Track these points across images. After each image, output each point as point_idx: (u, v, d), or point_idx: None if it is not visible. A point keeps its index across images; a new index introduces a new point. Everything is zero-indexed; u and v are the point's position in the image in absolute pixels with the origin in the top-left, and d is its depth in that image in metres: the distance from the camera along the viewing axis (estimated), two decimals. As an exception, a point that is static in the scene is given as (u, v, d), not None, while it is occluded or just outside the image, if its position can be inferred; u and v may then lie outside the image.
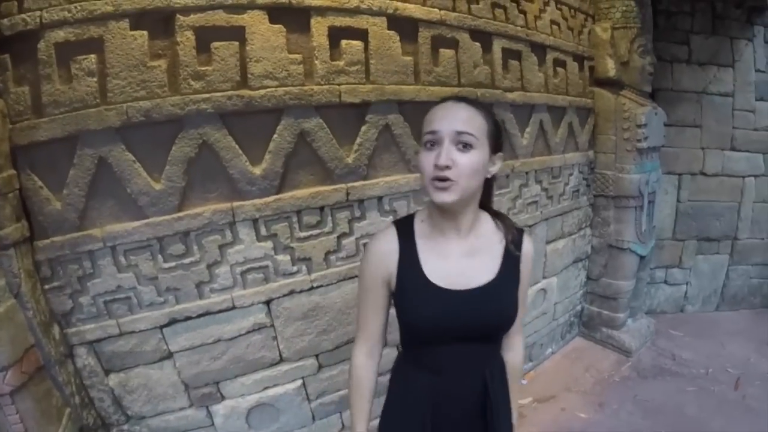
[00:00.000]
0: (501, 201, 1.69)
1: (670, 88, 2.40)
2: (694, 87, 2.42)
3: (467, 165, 0.66)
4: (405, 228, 0.78)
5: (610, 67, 2.02)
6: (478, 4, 1.49)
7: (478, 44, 1.50)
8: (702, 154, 2.51)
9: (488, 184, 0.76)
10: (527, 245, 0.76)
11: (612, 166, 2.14)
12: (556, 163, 1.91)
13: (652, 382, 2.15)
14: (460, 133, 0.66)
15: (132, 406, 1.14)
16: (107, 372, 1.10)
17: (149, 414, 1.18)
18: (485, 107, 0.71)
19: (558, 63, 1.86)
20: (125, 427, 1.15)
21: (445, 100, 0.71)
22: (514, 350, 0.84)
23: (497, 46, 1.57)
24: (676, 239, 2.66)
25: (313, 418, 1.42)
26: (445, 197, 0.67)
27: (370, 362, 0.84)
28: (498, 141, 0.71)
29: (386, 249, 0.76)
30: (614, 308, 2.31)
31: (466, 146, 0.66)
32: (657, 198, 2.37)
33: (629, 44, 2.03)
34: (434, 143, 0.67)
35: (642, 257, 2.28)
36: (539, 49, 1.75)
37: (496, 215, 0.78)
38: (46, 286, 1.00)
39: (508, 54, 1.62)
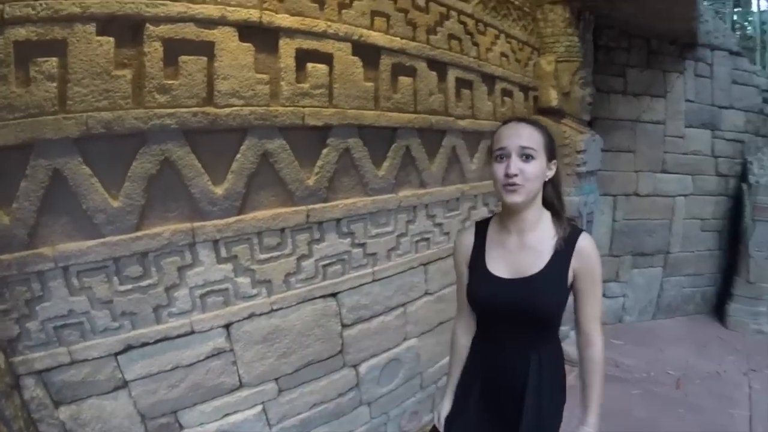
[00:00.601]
0: (452, 222, 1.93)
1: (607, 117, 2.94)
2: (629, 116, 3.00)
3: (531, 172, 0.93)
4: (481, 226, 1.09)
5: (553, 97, 2.42)
6: (436, 35, 1.75)
7: (434, 73, 1.75)
8: (636, 177, 3.09)
9: (555, 188, 1.00)
10: (582, 242, 0.97)
11: None
12: None
13: None
14: (523, 147, 0.91)
15: None
16: (57, 404, 1.10)
17: None
18: (540, 125, 0.97)
19: (506, 93, 2.18)
20: None
21: (508, 121, 0.98)
22: (592, 345, 1.01)
23: (452, 75, 1.83)
24: (613, 255, 3.21)
25: (273, 445, 1.49)
26: (515, 198, 0.93)
27: (466, 335, 1.15)
28: (552, 151, 0.96)
29: (465, 242, 1.09)
30: None
31: (528, 158, 0.91)
32: (594, 218, 2.83)
33: (571, 76, 2.45)
34: (503, 156, 0.94)
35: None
36: (489, 80, 2.06)
37: (557, 216, 1.00)
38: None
39: (461, 83, 1.90)
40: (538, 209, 0.99)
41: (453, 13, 1.81)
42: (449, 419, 1.14)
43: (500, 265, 1.00)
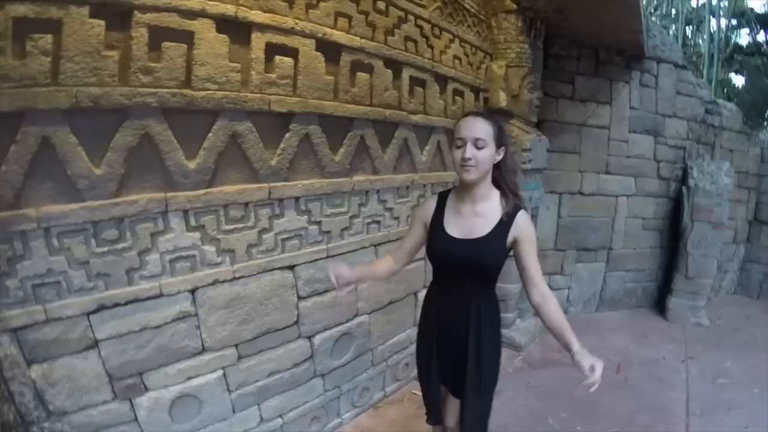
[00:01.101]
0: (401, 208, 2.27)
1: (555, 120, 3.40)
2: (575, 119, 3.48)
3: (482, 157, 1.27)
4: (443, 196, 1.44)
5: (501, 99, 2.82)
6: (393, 36, 2.07)
7: (389, 71, 2.06)
8: (580, 177, 3.58)
9: (503, 170, 1.33)
10: (520, 217, 1.31)
11: None
12: (450, 178, 2.57)
13: (542, 372, 2.97)
14: (476, 138, 1.24)
15: (54, 400, 1.31)
16: (29, 363, 1.26)
17: (71, 409, 1.35)
18: (493, 118, 1.31)
19: (457, 92, 2.56)
20: (46, 424, 1.31)
21: (467, 114, 1.32)
22: (547, 294, 1.34)
23: (406, 74, 2.16)
24: (558, 249, 3.68)
25: (234, 409, 1.72)
26: (469, 176, 1.28)
27: (390, 262, 1.52)
28: (500, 140, 1.30)
29: (428, 207, 1.44)
30: (504, 309, 3.04)
31: (480, 146, 1.24)
32: (540, 213, 3.29)
33: (520, 80, 2.86)
34: (461, 145, 1.27)
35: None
36: (442, 80, 2.41)
37: (504, 193, 1.34)
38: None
39: (415, 81, 2.23)
40: (487, 186, 1.34)
41: (411, 17, 2.14)
42: (419, 355, 1.53)
43: (455, 227, 1.35)
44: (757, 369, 3.10)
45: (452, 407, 1.49)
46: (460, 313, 1.37)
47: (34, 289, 1.25)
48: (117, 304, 1.39)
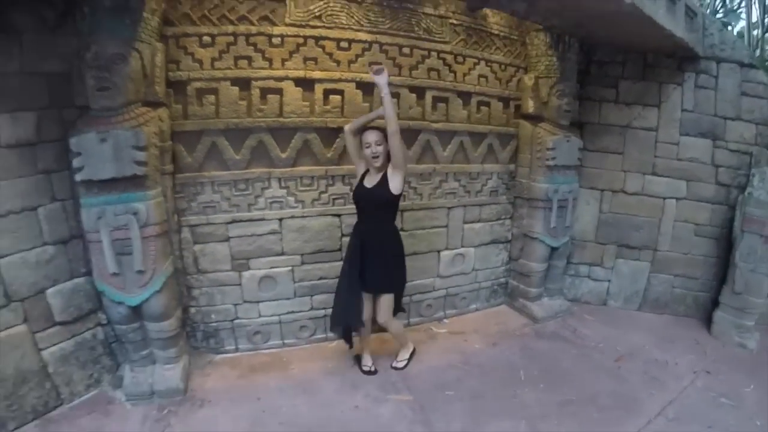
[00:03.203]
0: (423, 188, 3.72)
1: (598, 122, 4.20)
2: (619, 122, 4.19)
3: (381, 152, 2.85)
4: (365, 171, 3.05)
5: (530, 106, 3.93)
6: (417, 69, 3.49)
7: (414, 95, 3.51)
8: (623, 176, 4.26)
9: (390, 154, 2.85)
10: (389, 172, 2.87)
11: (527, 176, 4.07)
12: (474, 169, 3.91)
13: (544, 341, 3.92)
14: (376, 142, 2.82)
15: (202, 264, 3.27)
16: (195, 243, 3.23)
17: (210, 269, 3.30)
18: (380, 129, 2.86)
19: (483, 104, 3.83)
20: (195, 276, 3.28)
21: (368, 128, 2.92)
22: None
23: (429, 95, 3.57)
24: (599, 243, 4.46)
25: (295, 294, 3.52)
26: (377, 163, 2.91)
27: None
28: (385, 138, 2.83)
29: (360, 172, 3.07)
30: (528, 283, 4.22)
31: (378, 145, 2.82)
32: (578, 207, 4.25)
33: (549, 89, 3.88)
34: (367, 146, 2.85)
35: (554, 248, 4.13)
36: (465, 95, 3.72)
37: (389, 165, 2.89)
38: (176, 196, 3.12)
39: (437, 99, 3.62)
40: (385, 164, 2.85)
41: (433, 53, 3.53)
42: (348, 272, 3.03)
43: (368, 182, 2.94)
44: None
45: (368, 307, 3.04)
46: (374, 235, 2.92)
47: (203, 208, 3.19)
48: (241, 220, 3.28)
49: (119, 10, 2.50)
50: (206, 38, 2.95)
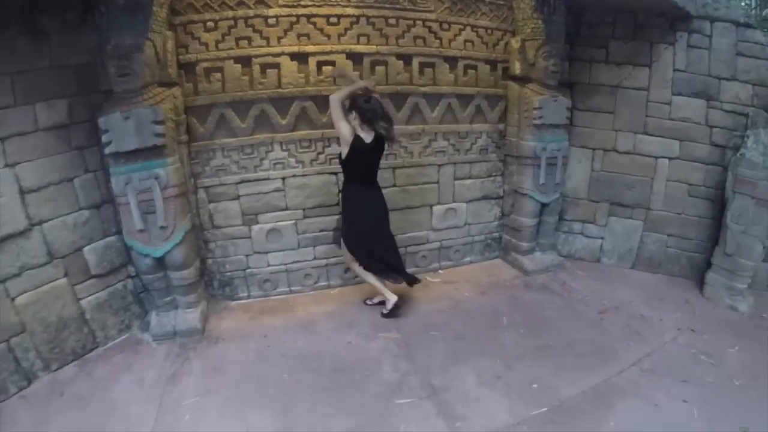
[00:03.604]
0: (413, 147, 4.14)
1: (588, 82, 4.43)
2: (609, 82, 4.41)
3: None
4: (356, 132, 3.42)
5: (517, 68, 4.22)
6: (404, 38, 3.85)
7: (401, 62, 3.88)
8: (615, 135, 4.49)
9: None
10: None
11: (516, 135, 4.40)
12: (463, 129, 4.28)
13: (532, 292, 4.31)
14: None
15: (217, 220, 3.85)
16: (209, 201, 3.80)
17: (223, 225, 3.88)
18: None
19: (469, 67, 4.14)
20: (211, 230, 3.87)
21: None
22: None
23: (415, 61, 3.93)
24: (591, 200, 4.75)
25: (299, 245, 4.07)
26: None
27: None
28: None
29: (348, 135, 3.36)
30: (519, 238, 4.62)
31: None
32: (570, 165, 4.54)
33: (536, 51, 4.14)
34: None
35: (544, 204, 4.47)
36: (452, 60, 4.04)
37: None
38: (192, 161, 3.66)
39: (424, 65, 3.97)
40: None
41: (419, 22, 3.85)
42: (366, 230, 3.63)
43: (365, 139, 3.37)
44: (761, 368, 3.34)
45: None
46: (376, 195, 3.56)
47: (216, 171, 3.73)
48: (249, 180, 3.81)
49: (132, 7, 2.99)
50: (210, 23, 3.43)
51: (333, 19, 3.64)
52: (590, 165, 4.68)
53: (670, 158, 4.49)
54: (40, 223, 3.04)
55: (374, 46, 3.78)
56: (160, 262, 3.43)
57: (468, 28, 4.07)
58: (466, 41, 4.09)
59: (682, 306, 4.18)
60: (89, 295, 3.37)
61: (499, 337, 3.62)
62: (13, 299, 2.91)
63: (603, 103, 4.50)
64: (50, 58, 3.02)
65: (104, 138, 3.07)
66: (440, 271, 4.61)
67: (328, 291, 4.22)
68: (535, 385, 3.11)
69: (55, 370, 3.15)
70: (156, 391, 2.99)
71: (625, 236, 4.77)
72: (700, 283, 4.42)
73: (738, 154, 4.09)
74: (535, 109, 4.16)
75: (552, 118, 4.22)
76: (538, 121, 4.18)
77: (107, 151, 3.10)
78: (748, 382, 3.18)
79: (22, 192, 2.91)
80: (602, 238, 4.86)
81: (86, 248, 3.33)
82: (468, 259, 4.76)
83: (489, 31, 4.17)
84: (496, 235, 4.86)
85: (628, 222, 4.73)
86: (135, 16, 3.02)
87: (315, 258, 4.14)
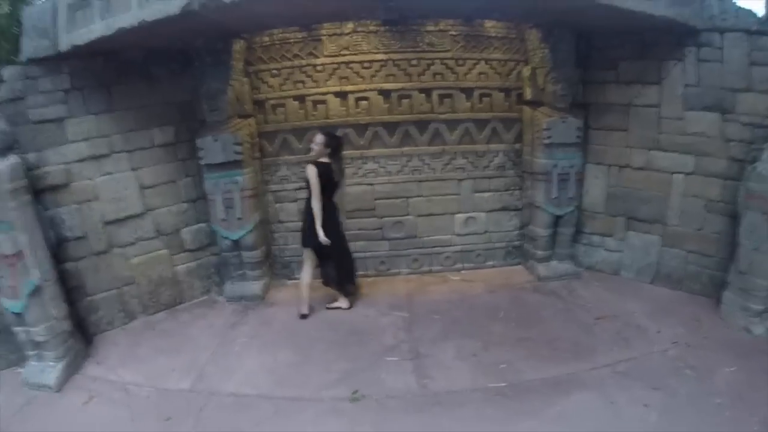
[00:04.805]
0: (435, 164, 5.32)
1: (601, 102, 5.13)
2: (620, 101, 5.03)
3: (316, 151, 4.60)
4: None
5: (528, 93, 5.20)
6: (424, 75, 5.13)
7: (423, 95, 5.17)
8: (628, 152, 5.07)
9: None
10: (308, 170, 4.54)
11: (530, 154, 5.32)
12: (480, 149, 5.36)
13: (538, 295, 5.12)
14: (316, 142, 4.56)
15: (280, 216, 5.48)
16: (276, 202, 5.45)
17: (285, 220, 5.49)
18: (323, 131, 4.68)
19: (484, 95, 5.24)
20: (276, 224, 5.51)
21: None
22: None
23: (435, 94, 5.19)
24: (608, 214, 5.34)
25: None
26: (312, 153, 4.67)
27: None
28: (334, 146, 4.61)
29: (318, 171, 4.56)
30: (536, 246, 5.46)
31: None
32: (586, 180, 5.33)
33: (544, 77, 5.05)
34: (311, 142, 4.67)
35: (558, 216, 5.22)
36: (468, 90, 5.19)
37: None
38: (263, 172, 5.34)
39: (443, 96, 5.20)
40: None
41: (437, 60, 5.08)
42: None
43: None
44: (751, 391, 3.45)
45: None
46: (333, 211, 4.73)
47: (280, 180, 5.40)
48: (304, 188, 5.22)
49: (217, 62, 4.73)
50: (274, 71, 5.11)
51: (366, 64, 5.09)
52: (606, 180, 5.27)
53: (685, 173, 4.83)
54: (152, 209, 4.88)
55: (400, 84, 5.11)
56: (236, 244, 5.10)
57: (482, 62, 5.18)
58: (480, 73, 5.20)
59: (689, 323, 4.43)
60: (182, 264, 5.16)
61: (490, 326, 4.55)
62: (128, 260, 4.75)
63: (616, 122, 5.09)
64: (162, 96, 4.82)
65: (200, 153, 4.82)
66: (463, 271, 5.65)
67: (364, 279, 5.51)
68: (503, 366, 3.91)
69: (151, 314, 4.98)
70: (220, 332, 4.61)
71: (644, 251, 5.18)
72: (720, 302, 4.54)
73: (750, 167, 4.23)
74: (544, 130, 5.01)
75: (561, 138, 5.01)
76: (547, 141, 5.01)
77: (202, 162, 4.84)
78: (730, 402, 3.36)
79: (141, 188, 4.76)
80: (621, 251, 5.33)
81: (183, 230, 5.13)
82: (490, 263, 5.72)
83: (502, 62, 5.24)
84: (517, 243, 5.73)
85: (645, 236, 5.15)
86: (219, 68, 4.75)
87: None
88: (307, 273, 4.82)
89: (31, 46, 4.04)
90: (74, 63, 4.20)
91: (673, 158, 4.88)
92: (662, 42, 4.73)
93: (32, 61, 4.07)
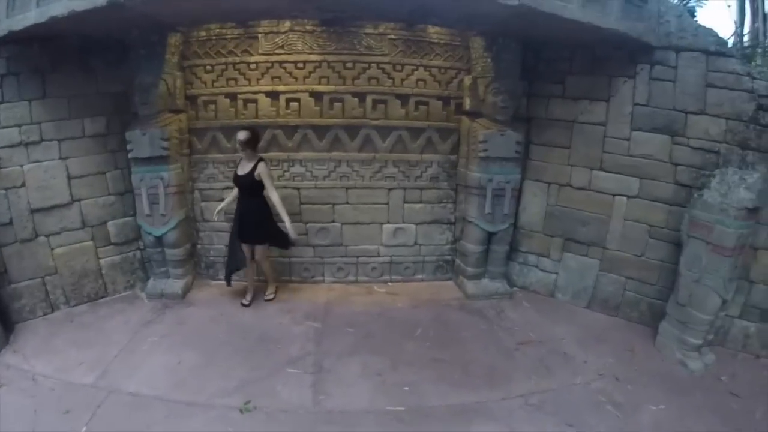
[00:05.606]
0: (364, 172, 5.36)
1: (545, 117, 5.06)
2: (565, 116, 5.00)
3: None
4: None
5: (468, 103, 5.18)
6: (359, 79, 5.14)
7: (356, 99, 5.20)
8: (570, 170, 5.00)
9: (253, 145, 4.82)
10: (259, 166, 4.74)
11: (465, 166, 5.33)
12: (413, 158, 5.37)
13: (462, 313, 5.18)
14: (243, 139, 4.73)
15: (206, 214, 5.59)
16: (202, 200, 5.59)
17: (210, 219, 5.53)
18: (249, 128, 4.83)
19: (421, 103, 5.22)
20: (201, 222, 5.65)
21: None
22: (272, 198, 4.82)
23: (369, 98, 5.22)
24: (546, 234, 5.32)
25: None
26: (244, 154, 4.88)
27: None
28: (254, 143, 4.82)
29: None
30: (466, 262, 5.49)
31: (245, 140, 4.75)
32: (524, 197, 5.27)
33: (485, 88, 5.02)
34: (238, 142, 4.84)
35: (491, 233, 5.16)
36: (404, 97, 5.17)
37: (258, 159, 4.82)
38: (191, 169, 5.46)
39: (377, 101, 5.22)
40: (253, 156, 4.76)
41: (373, 64, 5.03)
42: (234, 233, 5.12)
43: (240, 171, 4.90)
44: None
45: (247, 253, 5.02)
46: (247, 210, 4.87)
47: (208, 178, 5.52)
48: (231, 187, 5.35)
49: (150, 55, 4.88)
50: (208, 67, 5.21)
51: (300, 65, 5.14)
52: (545, 199, 5.27)
53: (628, 196, 4.81)
54: (79, 200, 5.06)
55: (333, 86, 5.15)
56: (159, 240, 5.28)
57: (421, 68, 5.19)
58: (418, 80, 5.21)
59: (621, 353, 4.43)
60: (107, 257, 5.36)
61: (404, 343, 4.59)
62: (52, 249, 4.96)
63: (558, 138, 5.07)
64: (96, 86, 5.01)
65: (128, 146, 4.99)
66: (389, 283, 5.72)
67: (286, 284, 5.66)
68: (406, 388, 3.94)
69: (73, 306, 5.18)
70: (134, 328, 4.79)
71: (580, 273, 5.18)
72: (657, 333, 4.54)
73: (695, 195, 4.20)
74: (480, 142, 5.03)
75: (498, 152, 5.02)
76: (483, 154, 5.04)
77: (130, 156, 5.02)
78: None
79: (69, 177, 4.94)
80: (557, 273, 5.35)
81: (110, 222, 5.32)
82: (420, 276, 5.77)
83: (442, 70, 5.22)
84: (449, 257, 5.77)
85: (583, 259, 5.15)
86: (152, 61, 4.91)
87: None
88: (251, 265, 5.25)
89: (-31, 29, 4.29)
90: (11, 48, 4.43)
91: (617, 180, 4.86)
92: (614, 57, 4.71)
93: (-31, 45, 4.31)
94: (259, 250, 5.08)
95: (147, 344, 4.50)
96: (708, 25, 4.48)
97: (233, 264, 5.21)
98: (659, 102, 4.51)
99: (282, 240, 5.07)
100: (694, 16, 8.97)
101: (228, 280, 5.26)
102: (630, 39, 4.28)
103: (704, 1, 11.04)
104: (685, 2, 9.85)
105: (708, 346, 4.33)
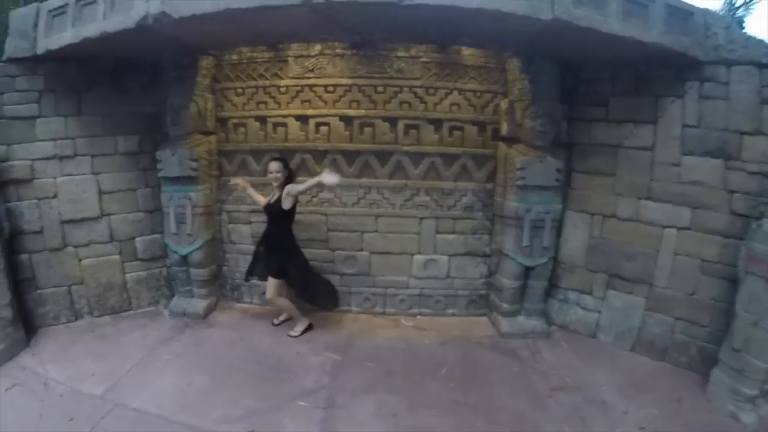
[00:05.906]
0: (395, 199, 5.20)
1: (587, 143, 4.74)
2: (609, 141, 4.68)
3: (279, 178, 4.71)
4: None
5: (504, 128, 4.96)
6: (390, 103, 5.05)
7: (387, 124, 5.11)
8: (615, 200, 4.65)
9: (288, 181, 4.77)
10: (287, 187, 4.66)
11: (502, 195, 5.06)
12: (446, 186, 5.18)
13: (493, 353, 4.81)
14: (275, 171, 4.71)
15: (233, 237, 5.64)
16: (229, 222, 5.62)
17: (237, 242, 5.63)
18: (281, 158, 4.79)
19: (456, 128, 5.04)
20: (228, 245, 5.66)
21: (272, 159, 4.86)
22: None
23: (401, 123, 5.12)
24: (588, 269, 4.95)
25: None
26: (275, 183, 4.78)
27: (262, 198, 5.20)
28: (288, 172, 4.79)
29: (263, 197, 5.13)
30: (501, 298, 5.18)
31: (278, 173, 4.72)
32: (565, 229, 4.98)
33: (523, 111, 4.78)
34: (270, 173, 4.77)
35: (528, 267, 4.87)
36: (437, 121, 5.03)
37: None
38: (219, 191, 5.52)
39: (409, 126, 5.11)
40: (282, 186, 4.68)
41: (405, 88, 4.95)
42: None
43: (271, 199, 4.85)
44: None
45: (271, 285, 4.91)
46: (273, 238, 4.83)
47: (236, 201, 5.52)
48: (258, 211, 5.35)
49: (182, 78, 5.03)
50: (239, 90, 5.30)
51: (330, 88, 5.12)
52: (588, 231, 4.91)
53: (678, 228, 4.43)
54: (109, 214, 5.26)
55: (363, 111, 5.09)
56: (185, 259, 5.35)
57: (455, 92, 5.04)
58: (452, 104, 5.06)
59: (667, 403, 4.02)
60: (133, 272, 5.50)
61: (426, 383, 4.28)
62: (80, 260, 5.15)
63: (602, 165, 4.74)
64: (129, 107, 5.24)
65: (159, 165, 5.13)
66: (418, 317, 5.47)
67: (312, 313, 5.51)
68: None
69: (96, 316, 5.32)
70: (150, 345, 4.82)
71: (625, 313, 4.77)
72: (708, 381, 4.10)
73: (754, 225, 3.78)
74: (518, 169, 4.77)
75: (537, 180, 4.74)
76: (520, 182, 4.77)
77: (159, 174, 5.16)
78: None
79: (100, 192, 5.15)
80: (599, 311, 4.94)
81: (138, 238, 5.47)
82: (451, 311, 5.50)
83: (477, 93, 5.05)
84: (483, 292, 5.47)
85: (628, 297, 4.75)
86: (183, 83, 5.06)
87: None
88: (289, 303, 5.06)
89: (12, 46, 4.65)
90: (50, 66, 4.76)
91: (666, 210, 4.49)
92: (659, 75, 4.43)
93: (12, 61, 4.66)
94: (271, 284, 4.94)
95: (161, 362, 4.50)
96: (759, 36, 4.13)
97: (252, 269, 5.17)
98: (711, 122, 4.17)
99: (308, 293, 5.05)
100: (743, 27, 8.37)
101: (246, 279, 5.30)
102: (676, 54, 4.00)
103: (753, 6, 10.44)
104: (732, 12, 9.33)
105: (764, 397, 3.78)
